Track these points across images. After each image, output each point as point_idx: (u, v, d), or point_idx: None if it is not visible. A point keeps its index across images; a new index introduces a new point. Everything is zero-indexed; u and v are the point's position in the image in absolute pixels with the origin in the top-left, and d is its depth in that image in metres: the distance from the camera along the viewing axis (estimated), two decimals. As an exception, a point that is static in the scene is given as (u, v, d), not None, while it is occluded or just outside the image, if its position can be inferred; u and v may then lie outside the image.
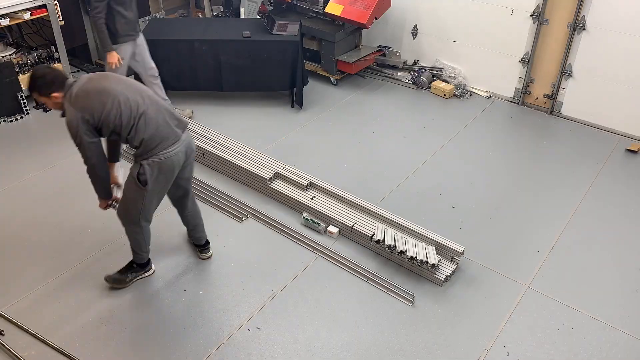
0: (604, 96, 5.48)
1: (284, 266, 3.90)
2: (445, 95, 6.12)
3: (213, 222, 4.26)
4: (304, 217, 4.23)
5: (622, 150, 5.25)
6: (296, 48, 5.61)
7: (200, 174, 4.76)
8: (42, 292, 3.66)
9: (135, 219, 3.45)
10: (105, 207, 3.58)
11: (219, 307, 3.59)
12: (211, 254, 3.97)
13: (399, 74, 6.55)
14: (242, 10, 6.51)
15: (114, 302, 3.60)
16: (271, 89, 6.01)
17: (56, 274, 3.81)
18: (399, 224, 4.09)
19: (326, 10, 6.09)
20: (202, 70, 5.73)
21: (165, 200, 3.58)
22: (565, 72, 5.62)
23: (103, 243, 4.07)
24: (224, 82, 5.79)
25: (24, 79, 5.67)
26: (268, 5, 6.51)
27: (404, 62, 6.60)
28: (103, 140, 3.30)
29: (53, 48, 5.94)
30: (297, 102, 5.88)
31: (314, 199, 4.36)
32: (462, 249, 3.84)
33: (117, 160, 3.65)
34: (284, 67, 5.71)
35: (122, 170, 3.67)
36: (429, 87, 6.26)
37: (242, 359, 3.26)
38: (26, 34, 6.07)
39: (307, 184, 4.45)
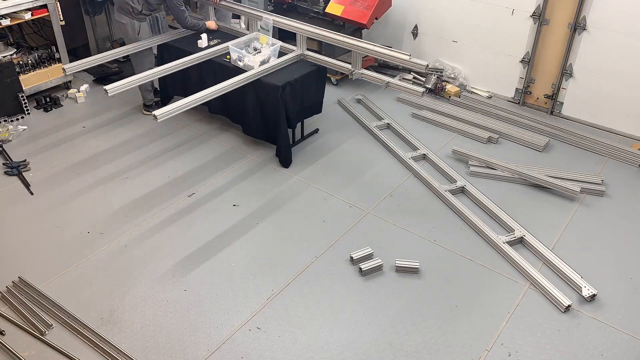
0: (605, 96, 5.47)
1: (284, 266, 3.91)
2: (450, 97, 6.11)
3: (214, 222, 4.28)
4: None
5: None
6: (276, 93, 4.61)
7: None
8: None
9: None
10: None
11: (219, 307, 3.59)
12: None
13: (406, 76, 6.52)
14: (243, 10, 6.49)
15: (114, 302, 3.61)
16: (249, 133, 5.18)
17: (56, 274, 3.82)
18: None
19: (326, 10, 6.09)
20: (192, 82, 5.27)
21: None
22: (565, 72, 5.62)
23: (103, 244, 4.08)
24: (212, 102, 5.01)
25: (24, 79, 5.68)
26: (269, 5, 6.52)
27: (404, 62, 6.59)
28: None
29: (54, 48, 5.95)
30: (280, 159, 4.94)
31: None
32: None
33: None
34: (263, 113, 4.83)
35: None
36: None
37: (242, 359, 3.27)
38: (27, 34, 6.08)
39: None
